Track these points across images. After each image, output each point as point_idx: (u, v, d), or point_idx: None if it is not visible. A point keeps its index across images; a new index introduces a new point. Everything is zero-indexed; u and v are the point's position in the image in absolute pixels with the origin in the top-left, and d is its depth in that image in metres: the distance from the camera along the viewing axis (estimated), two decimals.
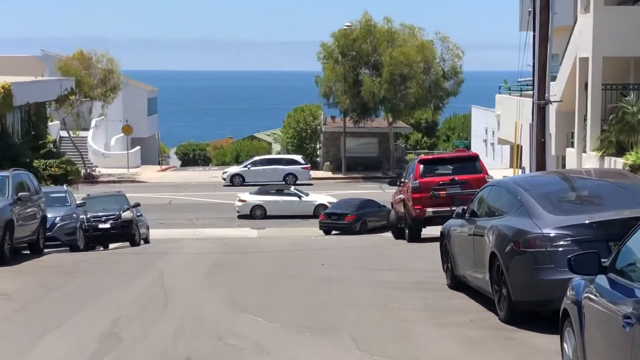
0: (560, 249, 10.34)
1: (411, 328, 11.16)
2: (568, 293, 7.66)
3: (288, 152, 72.78)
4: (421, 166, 24.65)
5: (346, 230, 35.29)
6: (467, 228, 13.09)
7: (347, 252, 22.08)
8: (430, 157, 26.89)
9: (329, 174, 63.57)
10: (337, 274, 16.76)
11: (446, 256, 14.39)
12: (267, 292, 14.47)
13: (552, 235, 10.76)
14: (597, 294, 6.89)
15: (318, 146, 71.21)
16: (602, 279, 6.91)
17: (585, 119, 26.15)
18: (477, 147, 57.71)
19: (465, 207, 13.78)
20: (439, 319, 11.77)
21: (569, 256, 7.46)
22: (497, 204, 12.48)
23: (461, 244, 13.45)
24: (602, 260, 7.07)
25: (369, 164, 63.50)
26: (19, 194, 20.12)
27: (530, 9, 23.04)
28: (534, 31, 22.10)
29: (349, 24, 62.05)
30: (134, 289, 15.21)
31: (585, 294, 7.17)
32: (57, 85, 44.03)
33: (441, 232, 14.89)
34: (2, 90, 30.51)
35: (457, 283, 13.84)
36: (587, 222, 10.67)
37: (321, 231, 36.13)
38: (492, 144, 55.68)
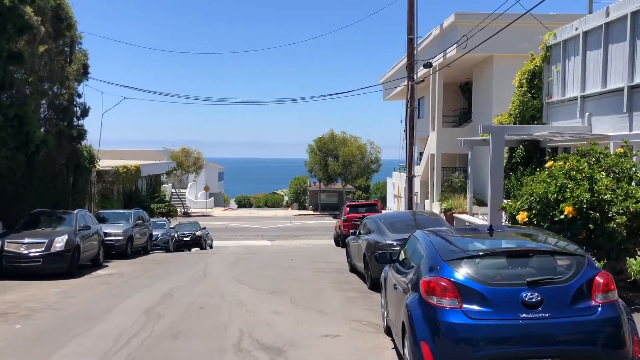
0: (395, 251, 10.70)
1: (322, 292, 11.31)
2: (382, 272, 7.92)
3: (291, 202, 72.84)
4: (348, 208, 24.90)
5: None
6: (356, 240, 13.40)
7: (307, 252, 22.12)
8: (353, 203, 26.95)
9: (312, 212, 63.41)
10: (296, 263, 16.81)
11: (348, 255, 14.57)
12: (258, 273, 14.50)
13: (391, 243, 11.15)
14: (390, 273, 7.20)
15: (306, 197, 71.15)
16: (394, 266, 7.16)
17: (433, 185, 26.63)
18: (389, 198, 57.69)
19: (356, 230, 14.11)
20: (338, 287, 11.92)
21: (375, 254, 7.75)
22: (369, 227, 12.81)
23: (353, 248, 13.68)
24: (394, 257, 7.45)
25: (332, 207, 63.21)
26: (136, 222, 20.45)
27: (404, 129, 23.61)
28: (407, 139, 22.63)
29: (322, 135, 62.10)
30: (189, 271, 15.26)
31: (387, 273, 7.52)
32: (166, 165, 44.30)
33: (346, 242, 15.06)
34: (134, 168, 30.83)
35: (353, 269, 13.98)
36: (407, 236, 11.01)
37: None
38: (395, 196, 55.71)
